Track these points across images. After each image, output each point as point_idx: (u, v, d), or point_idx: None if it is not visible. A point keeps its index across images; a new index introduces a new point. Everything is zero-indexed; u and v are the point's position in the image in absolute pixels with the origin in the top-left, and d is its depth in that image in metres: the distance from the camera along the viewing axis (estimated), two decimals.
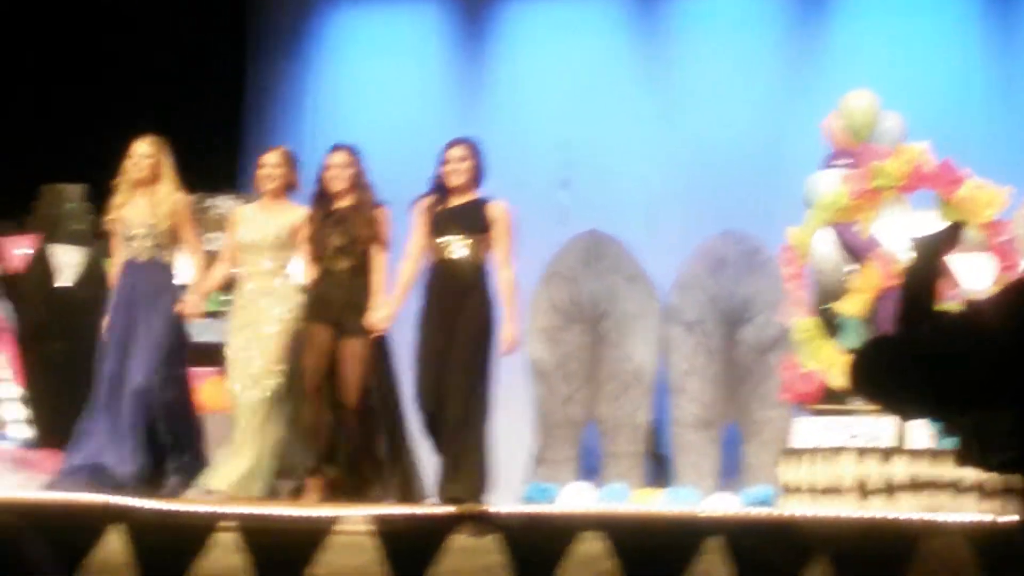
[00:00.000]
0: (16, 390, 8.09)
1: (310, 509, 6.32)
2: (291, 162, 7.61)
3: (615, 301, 8.05)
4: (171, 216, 7.48)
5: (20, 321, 8.38)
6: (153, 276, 7.52)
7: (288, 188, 7.58)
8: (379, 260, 7.21)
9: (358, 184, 7.31)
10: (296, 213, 7.45)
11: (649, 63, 8.84)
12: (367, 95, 9.46)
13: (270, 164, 7.54)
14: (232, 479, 7.04)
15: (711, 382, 7.85)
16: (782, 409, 7.32)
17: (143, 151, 7.53)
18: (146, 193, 7.54)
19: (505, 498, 6.79)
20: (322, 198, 7.31)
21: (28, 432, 7.96)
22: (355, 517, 6.00)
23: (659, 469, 7.99)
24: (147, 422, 7.25)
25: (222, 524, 6.06)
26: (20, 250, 8.82)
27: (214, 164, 9.06)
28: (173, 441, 7.33)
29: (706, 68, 8.67)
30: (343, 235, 7.18)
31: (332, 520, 5.99)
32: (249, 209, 7.68)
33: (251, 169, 7.79)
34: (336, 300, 7.11)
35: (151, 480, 7.12)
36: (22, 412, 8.04)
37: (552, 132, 8.98)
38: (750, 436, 7.74)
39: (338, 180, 7.25)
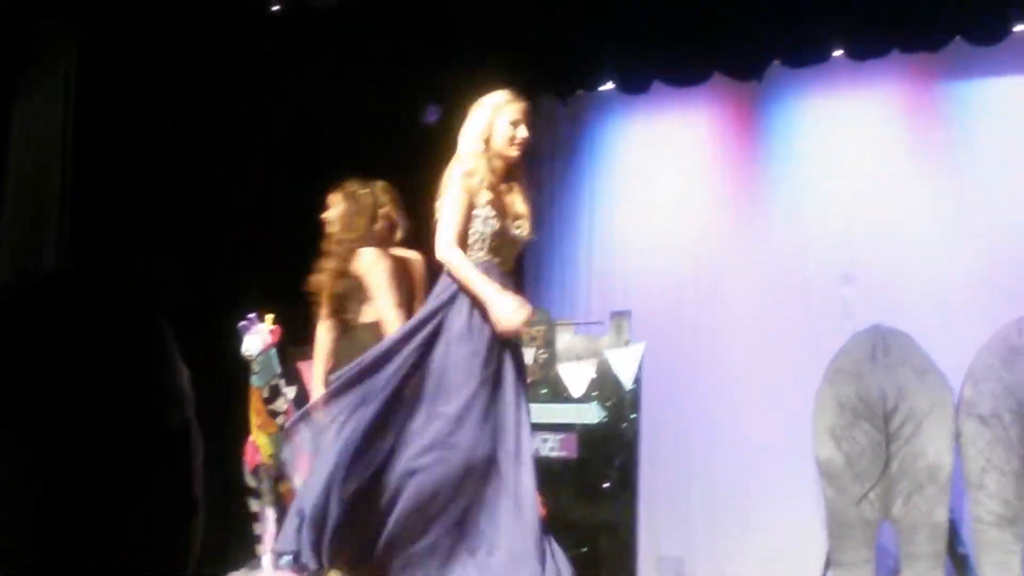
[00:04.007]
0: None
1: None
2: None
3: (905, 396, 7.81)
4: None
5: None
6: None
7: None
8: (367, 317, 5.98)
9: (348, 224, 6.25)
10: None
11: (930, 150, 8.60)
12: (642, 200, 9.51)
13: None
14: None
15: (1011, 477, 7.51)
16: None
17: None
18: None
19: None
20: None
21: None
22: None
23: (961, 569, 7.68)
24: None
25: None
26: None
27: None
28: None
29: (990, 151, 8.38)
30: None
31: None
32: None
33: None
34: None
35: None
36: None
37: (833, 227, 8.81)
38: None
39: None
